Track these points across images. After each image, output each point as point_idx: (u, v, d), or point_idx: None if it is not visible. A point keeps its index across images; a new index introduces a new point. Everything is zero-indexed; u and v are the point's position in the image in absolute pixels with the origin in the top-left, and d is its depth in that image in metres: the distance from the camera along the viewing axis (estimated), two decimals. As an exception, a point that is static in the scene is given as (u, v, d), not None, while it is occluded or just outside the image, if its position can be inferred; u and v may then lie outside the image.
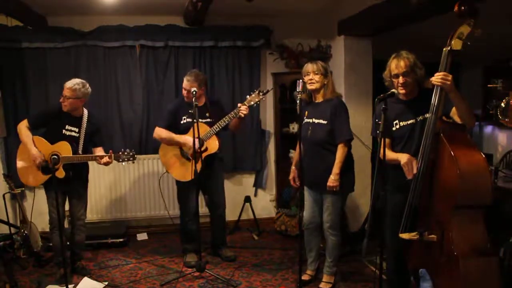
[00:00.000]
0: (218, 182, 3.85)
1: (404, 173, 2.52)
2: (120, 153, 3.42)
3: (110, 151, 3.39)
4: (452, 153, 2.25)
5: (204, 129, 3.54)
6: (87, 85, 3.41)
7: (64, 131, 3.35)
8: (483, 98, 4.63)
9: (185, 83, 3.62)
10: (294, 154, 3.43)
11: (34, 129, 3.40)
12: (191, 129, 3.42)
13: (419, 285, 2.74)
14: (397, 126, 2.68)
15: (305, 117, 3.19)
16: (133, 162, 3.50)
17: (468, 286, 2.18)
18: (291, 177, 3.38)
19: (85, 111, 3.46)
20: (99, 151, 3.47)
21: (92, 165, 4.40)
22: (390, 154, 2.65)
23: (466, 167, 2.21)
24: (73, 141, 3.36)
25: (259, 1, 3.61)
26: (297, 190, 3.34)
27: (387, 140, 2.69)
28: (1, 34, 4.18)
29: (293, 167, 3.38)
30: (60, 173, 3.28)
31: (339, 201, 3.15)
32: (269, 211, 5.01)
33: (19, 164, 3.42)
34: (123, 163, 3.46)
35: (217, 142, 3.61)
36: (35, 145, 3.32)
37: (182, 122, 3.68)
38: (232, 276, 3.53)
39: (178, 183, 3.79)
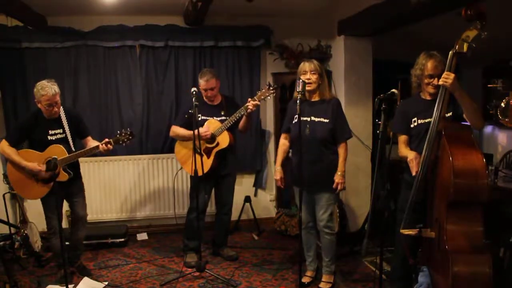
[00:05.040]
0: (230, 180, 3.87)
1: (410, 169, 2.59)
2: (118, 135, 3.27)
3: (106, 139, 3.24)
4: (449, 151, 2.30)
5: (216, 125, 3.61)
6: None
7: (49, 137, 3.22)
8: (483, 98, 4.63)
9: (204, 84, 3.62)
10: (279, 154, 3.37)
11: (15, 146, 3.23)
12: (204, 125, 3.61)
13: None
14: (415, 124, 2.73)
15: (296, 116, 3.08)
16: (133, 139, 3.33)
17: (458, 283, 2.22)
18: (278, 177, 3.29)
19: (61, 108, 3.27)
20: (89, 141, 3.40)
21: (92, 164, 4.41)
22: (402, 151, 2.76)
23: (460, 164, 2.27)
24: (63, 142, 3.25)
25: (259, 1, 3.60)
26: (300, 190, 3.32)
27: (405, 137, 2.80)
28: (1, 34, 4.18)
29: (279, 167, 3.31)
30: (63, 176, 3.20)
31: (333, 199, 3.18)
32: (269, 211, 5.01)
33: (16, 184, 3.30)
34: (124, 144, 3.33)
35: (227, 137, 3.63)
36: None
37: (198, 119, 3.70)
38: (232, 276, 3.53)
39: (191, 178, 3.85)
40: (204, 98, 3.70)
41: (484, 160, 2.31)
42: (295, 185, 3.32)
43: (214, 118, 3.67)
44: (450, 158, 2.27)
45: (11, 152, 3.21)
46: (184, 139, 3.74)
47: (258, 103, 3.51)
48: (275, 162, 4.87)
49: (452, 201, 2.29)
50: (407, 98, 2.94)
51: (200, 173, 3.54)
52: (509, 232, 3.07)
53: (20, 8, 3.79)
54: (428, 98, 2.71)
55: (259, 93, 3.55)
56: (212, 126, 3.61)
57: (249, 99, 3.51)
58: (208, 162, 3.59)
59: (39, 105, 3.18)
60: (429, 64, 2.61)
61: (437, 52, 2.65)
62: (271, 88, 3.52)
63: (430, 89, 2.65)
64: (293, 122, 3.19)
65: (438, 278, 2.42)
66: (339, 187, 3.09)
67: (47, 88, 3.08)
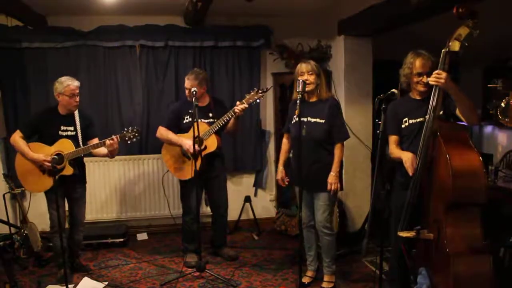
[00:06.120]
0: (220, 181, 3.85)
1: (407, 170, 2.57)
2: (125, 132, 3.36)
3: (113, 136, 3.30)
4: (446, 152, 2.29)
5: (203, 128, 3.55)
6: None
7: (60, 132, 3.32)
8: (483, 98, 4.63)
9: (186, 82, 3.64)
10: (281, 154, 3.40)
11: (28, 138, 3.35)
12: (191, 128, 3.48)
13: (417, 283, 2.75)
14: (406, 124, 2.72)
15: (295, 116, 3.09)
16: (139, 137, 3.42)
17: (459, 284, 2.21)
18: (279, 177, 3.33)
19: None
20: (95, 141, 3.43)
21: (92, 164, 4.42)
22: (395, 152, 2.73)
23: (459, 165, 2.25)
24: (71, 139, 3.33)
25: (259, 1, 3.61)
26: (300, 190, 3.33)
27: (396, 137, 2.78)
28: (1, 34, 4.18)
29: (280, 167, 3.34)
30: (69, 170, 3.27)
31: (331, 200, 3.16)
32: (269, 211, 5.01)
33: (22, 176, 3.36)
34: (129, 142, 3.39)
35: (216, 141, 3.62)
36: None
37: (184, 121, 3.71)
38: (232, 276, 3.53)
39: (181, 182, 3.83)
40: (188, 98, 3.66)
41: (481, 159, 2.30)
42: (295, 185, 3.33)
43: (202, 120, 3.61)
44: (448, 159, 2.26)
45: (21, 142, 3.31)
46: (168, 143, 3.72)
47: (246, 106, 3.49)
48: (275, 162, 4.93)
49: (451, 203, 2.28)
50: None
51: (188, 177, 3.58)
52: (509, 232, 3.07)
53: (20, 8, 3.79)
54: (418, 97, 2.70)
55: (247, 96, 3.52)
56: (200, 128, 3.55)
57: (238, 102, 3.50)
58: (192, 166, 3.52)
59: (60, 98, 3.30)
60: (417, 62, 2.61)
61: (425, 50, 2.64)
62: (259, 91, 3.51)
63: (420, 88, 2.64)
64: (292, 122, 3.20)
65: (438, 280, 2.41)
66: (332, 187, 3.06)
67: (69, 81, 3.29)
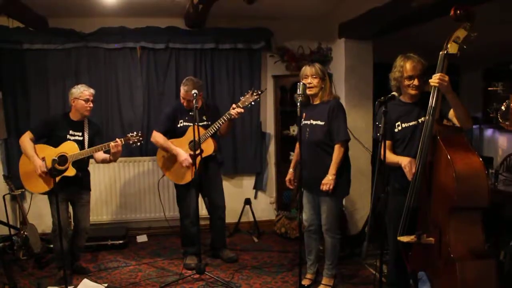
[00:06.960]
0: (216, 184, 3.85)
1: (406, 174, 2.54)
2: (130, 135, 3.45)
3: (117, 139, 3.38)
4: (448, 155, 2.26)
5: (200, 131, 3.55)
6: None
7: (68, 136, 3.40)
8: (483, 101, 4.64)
9: (183, 93, 3.62)
10: (294, 156, 3.45)
11: (37, 140, 3.43)
12: (187, 132, 3.55)
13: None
14: (399, 128, 2.70)
15: (303, 119, 3.18)
16: (142, 142, 3.51)
17: None
18: (287, 178, 3.37)
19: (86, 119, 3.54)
20: (100, 152, 3.49)
21: (92, 166, 4.41)
22: (391, 157, 2.67)
23: (462, 169, 2.22)
24: (78, 144, 3.39)
25: (260, 3, 3.61)
26: (297, 193, 3.35)
27: (388, 142, 2.71)
28: (2, 35, 4.19)
29: (291, 169, 3.38)
30: (71, 171, 3.32)
31: (334, 204, 3.13)
32: (269, 213, 5.00)
33: (24, 175, 3.40)
34: (134, 145, 3.50)
35: (212, 144, 3.63)
36: (37, 155, 3.34)
37: (179, 125, 3.71)
38: (231, 279, 3.53)
39: (176, 186, 3.81)
40: (186, 107, 3.68)
41: (483, 162, 2.29)
42: (302, 187, 3.32)
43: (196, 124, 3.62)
44: (451, 163, 2.23)
45: (28, 144, 3.38)
46: (163, 150, 3.72)
47: (243, 111, 3.48)
48: (275, 164, 4.93)
49: (454, 207, 2.25)
50: None
51: (186, 181, 3.60)
52: (509, 235, 3.07)
53: (21, 9, 3.80)
54: (409, 101, 2.69)
55: (242, 99, 3.51)
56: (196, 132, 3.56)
57: (234, 105, 3.50)
58: (192, 169, 3.52)
59: (75, 103, 3.42)
60: (408, 65, 2.59)
61: (415, 53, 2.63)
62: (254, 93, 3.50)
63: (411, 91, 2.62)
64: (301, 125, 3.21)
65: (440, 284, 2.39)
66: (324, 188, 3.01)
67: (85, 87, 3.48)
